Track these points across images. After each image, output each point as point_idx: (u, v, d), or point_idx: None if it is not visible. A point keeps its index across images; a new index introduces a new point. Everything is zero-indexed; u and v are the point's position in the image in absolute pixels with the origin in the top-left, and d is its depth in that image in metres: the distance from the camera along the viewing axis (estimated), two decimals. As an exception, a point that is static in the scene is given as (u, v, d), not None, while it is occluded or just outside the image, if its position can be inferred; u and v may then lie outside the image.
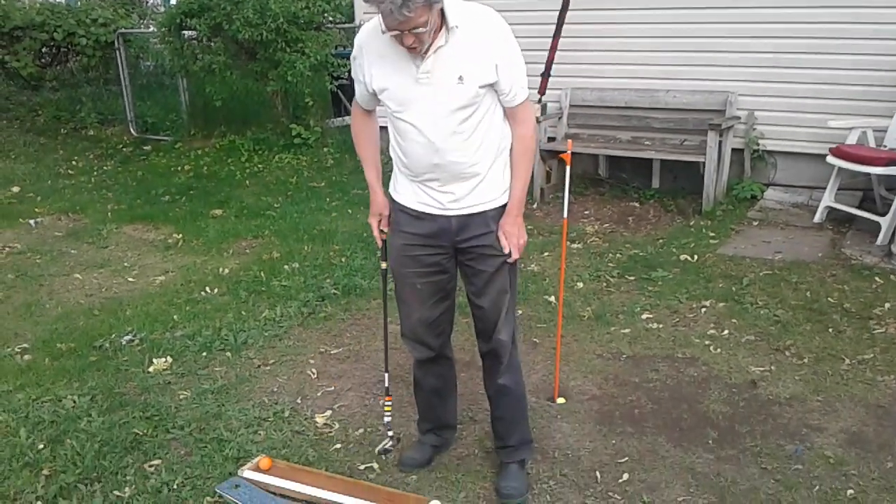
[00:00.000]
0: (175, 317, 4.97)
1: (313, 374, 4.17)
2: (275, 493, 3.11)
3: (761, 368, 4.09)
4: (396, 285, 3.02)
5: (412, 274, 2.92)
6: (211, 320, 4.89)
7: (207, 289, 5.43)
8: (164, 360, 4.37)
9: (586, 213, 6.90)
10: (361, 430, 3.61)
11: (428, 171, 2.71)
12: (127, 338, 4.68)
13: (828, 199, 6.08)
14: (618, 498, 3.09)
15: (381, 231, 3.01)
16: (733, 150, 6.85)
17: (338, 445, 3.48)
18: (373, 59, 2.64)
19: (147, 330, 4.77)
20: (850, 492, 3.09)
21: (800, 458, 3.32)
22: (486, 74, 2.57)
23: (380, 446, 3.23)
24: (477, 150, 2.68)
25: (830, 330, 4.44)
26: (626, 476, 3.22)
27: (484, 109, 2.65)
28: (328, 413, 3.76)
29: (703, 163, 6.48)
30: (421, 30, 2.41)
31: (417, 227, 2.83)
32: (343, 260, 5.85)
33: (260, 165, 9.00)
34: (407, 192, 2.83)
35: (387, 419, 3.26)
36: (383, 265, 3.12)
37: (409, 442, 3.36)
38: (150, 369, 4.28)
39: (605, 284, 5.24)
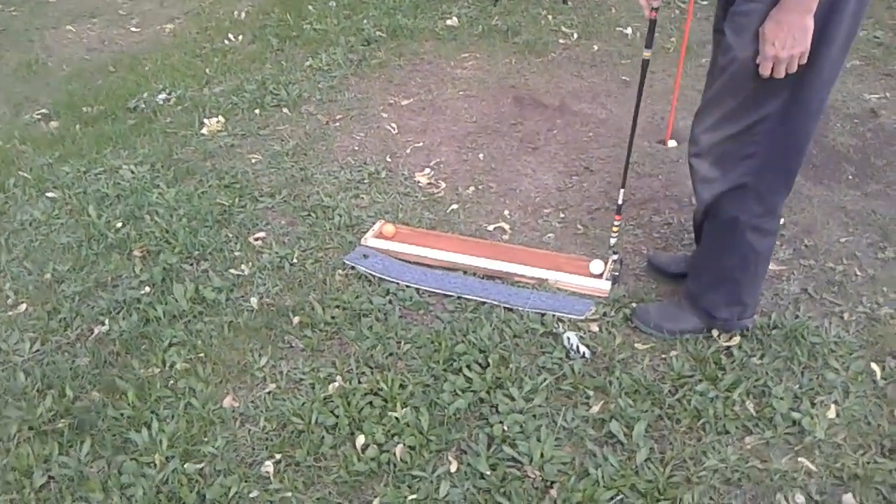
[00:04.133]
0: (207, 70, 4.40)
1: (393, 128, 3.76)
2: (410, 262, 2.83)
3: (876, 96, 3.81)
4: None
5: None
6: (249, 73, 4.34)
7: (231, 36, 4.79)
8: (215, 120, 3.89)
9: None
10: (472, 189, 3.28)
11: None
12: (161, 96, 4.15)
13: None
14: (777, 243, 2.88)
15: (653, 8, 2.28)
16: None
17: (454, 206, 3.17)
18: None
19: (181, 87, 4.22)
20: None
21: (952, 189, 3.13)
22: None
23: (606, 272, 2.68)
24: None
25: (939, 49, 4.12)
26: (780, 220, 2.99)
27: None
28: (428, 171, 3.41)
29: None
30: None
31: None
32: (375, -3, 5.19)
33: None
34: None
35: (612, 240, 2.72)
36: (646, 54, 2.39)
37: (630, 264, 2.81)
38: (204, 131, 3.81)
39: (678, 12, 4.75)
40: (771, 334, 2.43)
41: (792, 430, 2.13)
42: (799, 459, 2.05)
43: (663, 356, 2.38)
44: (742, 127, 2.03)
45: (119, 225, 3.15)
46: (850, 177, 3.25)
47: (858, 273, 2.72)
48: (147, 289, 2.78)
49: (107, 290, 2.81)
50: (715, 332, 2.43)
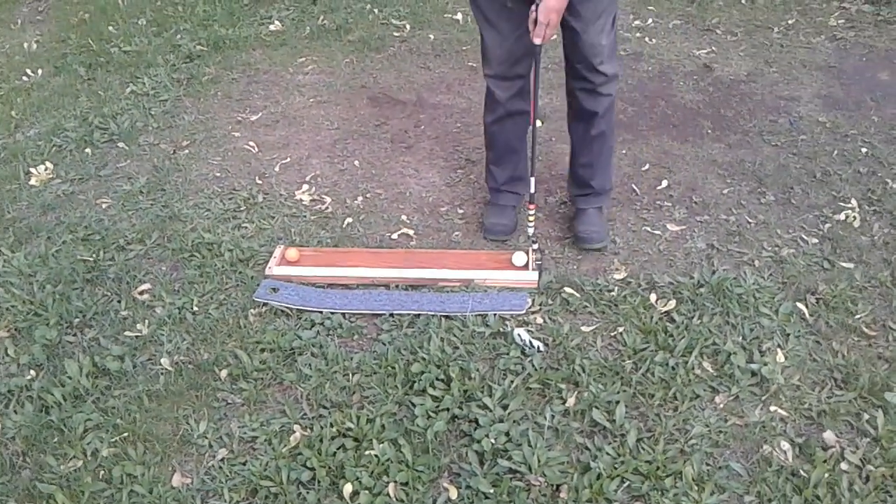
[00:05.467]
0: (13, 113, 3.90)
1: (251, 147, 3.51)
2: (324, 286, 2.66)
3: (704, 51, 4.07)
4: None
5: None
6: (63, 109, 3.90)
7: (29, 71, 4.27)
8: (42, 167, 3.45)
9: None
10: (360, 199, 3.14)
11: None
12: (-33, 150, 3.62)
13: None
14: (669, 205, 3.00)
15: None
16: None
17: (348, 220, 3.01)
18: None
19: (-12, 136, 3.71)
20: (863, 150, 3.24)
21: (798, 128, 3.40)
22: None
23: (531, 263, 2.63)
24: None
25: (743, 1, 4.46)
26: (664, 182, 3.12)
27: None
28: (307, 188, 3.22)
29: None
30: None
31: None
32: (181, 9, 4.82)
33: None
34: None
35: (530, 230, 2.70)
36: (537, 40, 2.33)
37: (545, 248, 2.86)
38: (33, 181, 3.37)
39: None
40: (700, 293, 2.52)
41: (753, 381, 2.21)
42: (770, 408, 2.14)
43: (612, 334, 2.40)
44: (613, 19, 2.42)
45: (-33, 306, 2.70)
46: (709, 131, 3.44)
47: (750, 220, 2.89)
48: (32, 372, 2.41)
49: (-20, 385, 2.40)
50: (653, 298, 2.48)
